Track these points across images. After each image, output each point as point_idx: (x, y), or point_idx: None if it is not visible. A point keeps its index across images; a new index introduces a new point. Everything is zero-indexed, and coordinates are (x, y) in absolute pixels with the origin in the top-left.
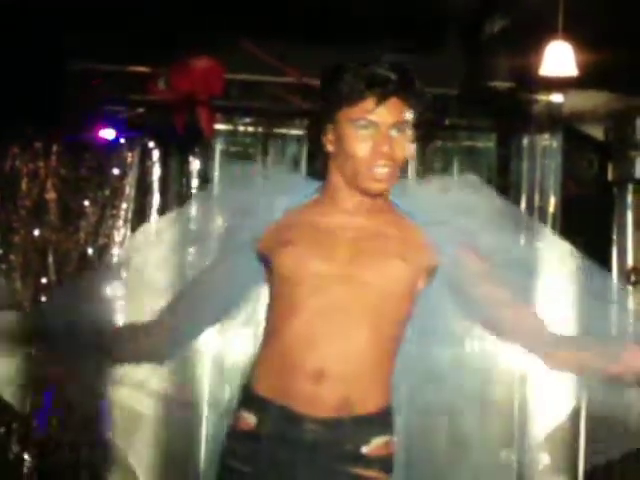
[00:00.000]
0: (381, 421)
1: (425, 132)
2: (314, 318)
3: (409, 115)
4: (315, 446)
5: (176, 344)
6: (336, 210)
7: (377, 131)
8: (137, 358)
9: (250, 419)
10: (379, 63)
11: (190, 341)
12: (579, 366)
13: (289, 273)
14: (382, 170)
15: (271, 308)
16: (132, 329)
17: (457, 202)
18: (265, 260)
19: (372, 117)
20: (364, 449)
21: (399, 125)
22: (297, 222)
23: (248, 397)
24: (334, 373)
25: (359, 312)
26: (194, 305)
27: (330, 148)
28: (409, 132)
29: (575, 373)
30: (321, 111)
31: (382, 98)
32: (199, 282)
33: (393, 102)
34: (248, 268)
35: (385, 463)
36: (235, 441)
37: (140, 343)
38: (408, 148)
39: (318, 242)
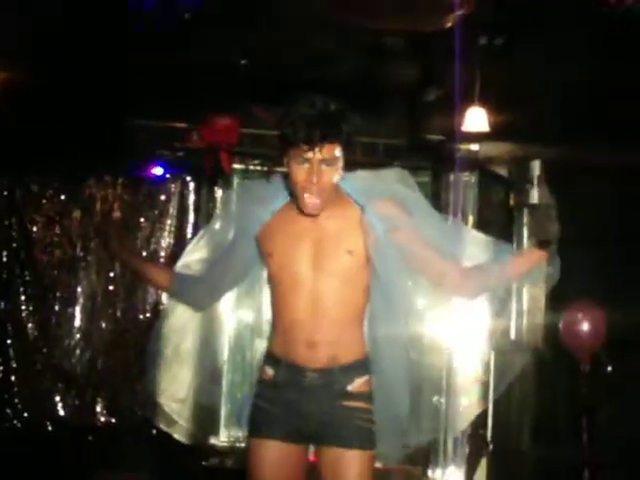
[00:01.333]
0: (360, 366)
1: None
2: (300, 304)
3: (337, 152)
4: (314, 388)
5: (211, 297)
6: (301, 215)
7: (310, 165)
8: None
9: (270, 371)
10: (314, 114)
11: (219, 295)
12: (485, 284)
13: (275, 276)
14: (310, 199)
15: (271, 293)
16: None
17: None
18: (262, 256)
19: (305, 156)
20: (349, 387)
21: (327, 161)
22: (277, 229)
23: (268, 356)
24: (321, 342)
25: (330, 296)
26: (218, 274)
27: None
28: (338, 164)
29: (485, 290)
30: (279, 149)
31: (311, 144)
32: (220, 260)
33: (323, 145)
34: (250, 253)
35: (366, 396)
36: (261, 387)
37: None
38: (335, 177)
39: (291, 249)
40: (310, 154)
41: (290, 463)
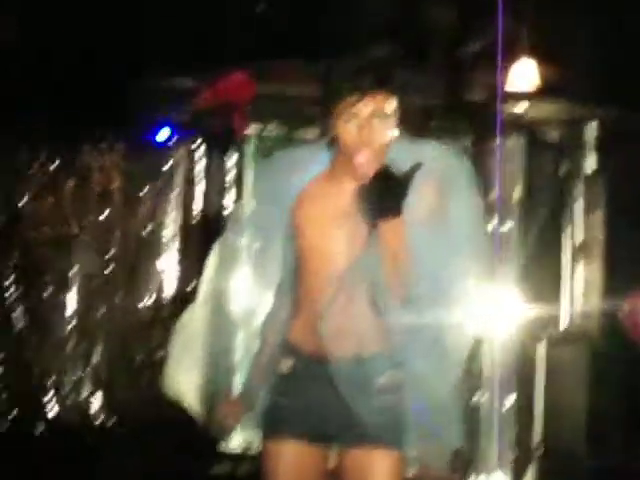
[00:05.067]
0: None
1: (416, 134)
2: (327, 287)
3: (390, 105)
4: (340, 381)
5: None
6: (340, 187)
7: (359, 121)
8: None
9: (288, 363)
10: (363, 61)
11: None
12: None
13: (304, 254)
14: (362, 158)
15: (294, 273)
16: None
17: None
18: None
19: (354, 110)
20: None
21: (379, 114)
22: (311, 202)
23: (285, 345)
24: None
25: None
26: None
27: (334, 134)
28: (391, 121)
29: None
30: (322, 107)
31: (359, 94)
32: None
33: (372, 96)
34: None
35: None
36: (276, 381)
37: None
38: (388, 134)
39: (325, 227)
40: (359, 106)
41: (310, 468)
